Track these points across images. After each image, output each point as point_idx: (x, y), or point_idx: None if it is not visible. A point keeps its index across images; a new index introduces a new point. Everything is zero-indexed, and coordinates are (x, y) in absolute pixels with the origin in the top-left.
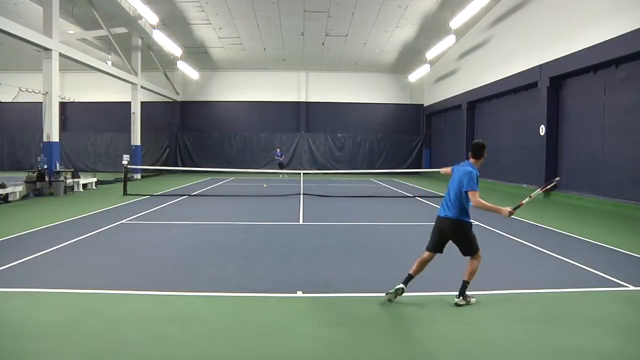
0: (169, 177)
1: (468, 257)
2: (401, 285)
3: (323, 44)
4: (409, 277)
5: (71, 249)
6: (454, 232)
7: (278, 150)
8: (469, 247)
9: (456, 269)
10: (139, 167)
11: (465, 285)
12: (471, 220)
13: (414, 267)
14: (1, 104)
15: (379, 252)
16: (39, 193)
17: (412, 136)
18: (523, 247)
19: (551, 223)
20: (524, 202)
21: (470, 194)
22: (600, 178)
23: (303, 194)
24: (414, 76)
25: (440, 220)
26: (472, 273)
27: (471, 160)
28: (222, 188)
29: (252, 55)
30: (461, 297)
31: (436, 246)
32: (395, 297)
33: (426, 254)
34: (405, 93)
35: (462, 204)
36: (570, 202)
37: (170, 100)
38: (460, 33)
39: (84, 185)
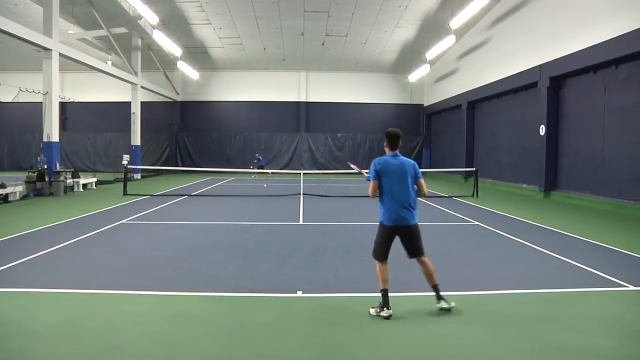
0: (169, 177)
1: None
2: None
3: (323, 44)
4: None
5: (71, 249)
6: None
7: (257, 155)
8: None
9: (457, 268)
10: (139, 167)
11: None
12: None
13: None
14: (1, 104)
15: None
16: (39, 193)
17: (412, 136)
18: (523, 247)
19: (551, 223)
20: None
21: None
22: (600, 178)
23: (303, 194)
24: (414, 76)
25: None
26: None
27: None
28: (222, 188)
29: (252, 55)
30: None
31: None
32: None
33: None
34: (405, 93)
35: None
36: (570, 202)
37: (170, 100)
38: (460, 33)
39: (84, 185)
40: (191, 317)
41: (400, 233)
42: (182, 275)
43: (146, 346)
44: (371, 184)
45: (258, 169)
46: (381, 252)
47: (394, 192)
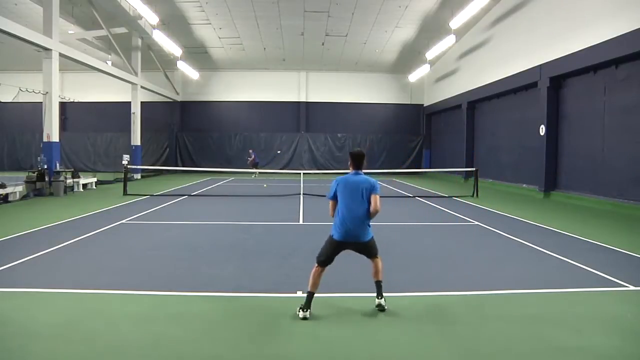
0: (169, 177)
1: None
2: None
3: (323, 44)
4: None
5: (71, 249)
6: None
7: (250, 151)
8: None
9: (457, 268)
10: (139, 167)
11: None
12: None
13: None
14: (1, 104)
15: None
16: (39, 193)
17: (412, 136)
18: (523, 247)
19: (551, 223)
20: None
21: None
22: (600, 178)
23: (303, 194)
24: (414, 76)
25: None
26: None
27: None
28: (222, 188)
29: (252, 55)
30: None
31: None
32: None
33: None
34: (405, 93)
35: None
36: (570, 202)
37: (170, 100)
38: (460, 33)
39: (84, 185)
40: (191, 317)
41: (351, 247)
42: (182, 275)
43: (146, 346)
44: (330, 204)
45: (253, 167)
46: (323, 260)
47: (345, 208)
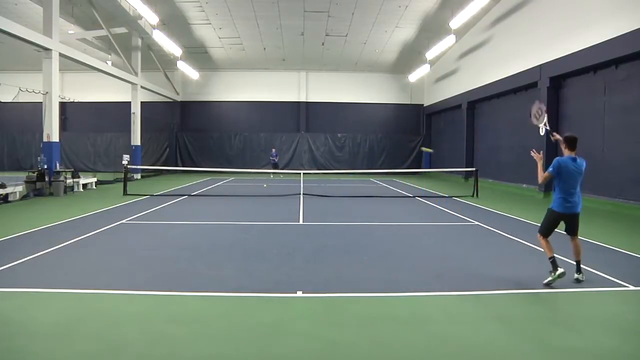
0: (169, 177)
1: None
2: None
3: (323, 44)
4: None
5: (71, 249)
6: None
7: (274, 150)
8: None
9: (457, 268)
10: (139, 167)
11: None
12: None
13: (549, 251)
14: (1, 104)
15: (379, 252)
16: (39, 193)
17: (412, 136)
18: (523, 247)
19: None
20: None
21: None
22: (600, 178)
23: (303, 194)
24: (414, 76)
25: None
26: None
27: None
28: (222, 188)
29: (252, 55)
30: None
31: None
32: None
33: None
34: (405, 93)
35: None
36: None
37: (170, 100)
38: (460, 33)
39: (84, 185)
40: (191, 317)
41: (567, 219)
42: (182, 275)
43: (146, 346)
44: (545, 174)
45: (273, 167)
46: (546, 232)
47: (569, 187)
